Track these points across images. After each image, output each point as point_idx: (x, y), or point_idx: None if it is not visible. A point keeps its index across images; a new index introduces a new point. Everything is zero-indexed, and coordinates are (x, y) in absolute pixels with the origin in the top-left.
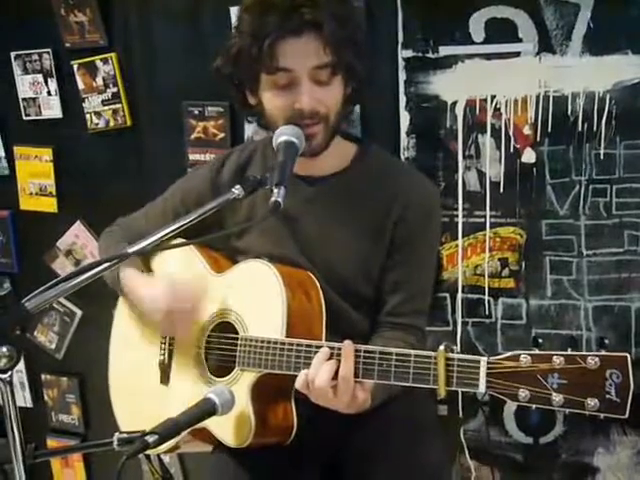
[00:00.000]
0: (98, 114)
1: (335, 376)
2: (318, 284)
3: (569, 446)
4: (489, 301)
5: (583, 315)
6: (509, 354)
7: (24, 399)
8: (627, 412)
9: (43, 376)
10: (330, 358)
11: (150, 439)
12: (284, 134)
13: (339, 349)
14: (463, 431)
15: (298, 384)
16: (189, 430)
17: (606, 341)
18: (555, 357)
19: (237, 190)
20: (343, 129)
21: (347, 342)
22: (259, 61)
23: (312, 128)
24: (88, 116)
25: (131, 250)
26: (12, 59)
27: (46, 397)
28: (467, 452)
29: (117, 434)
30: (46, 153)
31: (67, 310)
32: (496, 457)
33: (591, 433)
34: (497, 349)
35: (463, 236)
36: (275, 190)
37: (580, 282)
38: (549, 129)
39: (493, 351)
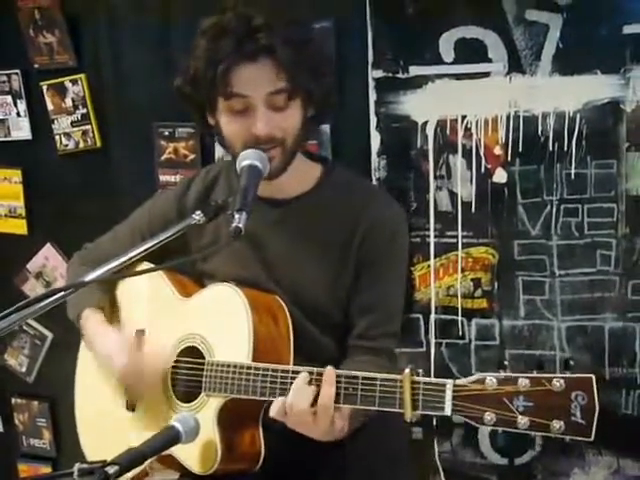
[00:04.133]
0: (68, 135)
1: (314, 402)
2: (286, 308)
3: (544, 467)
4: (462, 322)
5: (556, 335)
6: (475, 377)
7: None
8: (593, 434)
9: (13, 400)
10: (310, 383)
11: (110, 470)
12: (247, 158)
13: (318, 374)
14: (438, 453)
15: (274, 411)
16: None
17: (571, 362)
18: (520, 379)
19: (198, 216)
20: (311, 151)
21: (329, 368)
22: (214, 86)
23: (269, 152)
24: (57, 137)
25: (87, 279)
26: None
27: (17, 421)
28: (442, 474)
29: (77, 464)
30: (15, 175)
31: (38, 333)
32: (471, 479)
33: (567, 454)
34: (471, 370)
35: (435, 257)
36: (236, 216)
37: (553, 302)
38: (520, 149)
39: (467, 372)
